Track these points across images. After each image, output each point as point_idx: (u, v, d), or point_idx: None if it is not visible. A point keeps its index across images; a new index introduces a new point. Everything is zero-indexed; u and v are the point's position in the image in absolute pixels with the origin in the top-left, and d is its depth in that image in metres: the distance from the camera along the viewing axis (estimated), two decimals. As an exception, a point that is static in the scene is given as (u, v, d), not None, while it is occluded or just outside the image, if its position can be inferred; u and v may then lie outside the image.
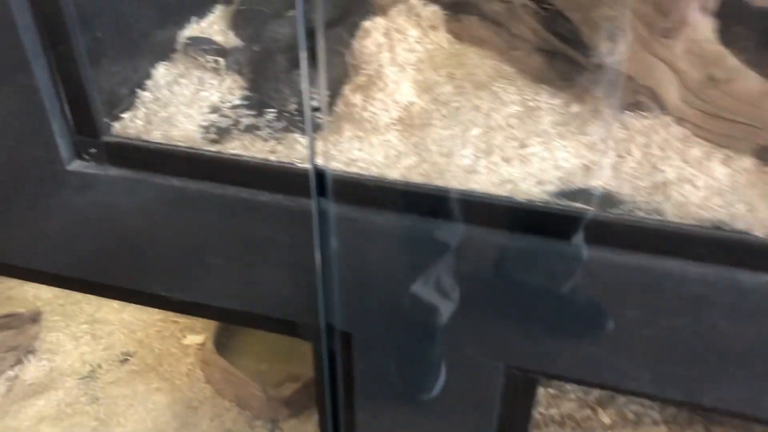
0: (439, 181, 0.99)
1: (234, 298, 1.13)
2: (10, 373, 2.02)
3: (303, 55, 0.95)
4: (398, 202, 0.97)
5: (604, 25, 1.02)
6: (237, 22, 1.33)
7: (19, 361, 2.03)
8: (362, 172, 1.01)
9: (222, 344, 2.01)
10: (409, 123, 1.09)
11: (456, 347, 1.06)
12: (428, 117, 1.09)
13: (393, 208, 0.97)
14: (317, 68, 1.18)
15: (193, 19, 1.32)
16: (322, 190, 0.99)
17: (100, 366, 2.08)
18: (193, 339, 2.13)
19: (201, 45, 1.17)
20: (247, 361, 2.01)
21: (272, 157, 1.03)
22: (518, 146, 1.03)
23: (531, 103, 1.09)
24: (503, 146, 1.03)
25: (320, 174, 0.98)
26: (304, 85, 1.04)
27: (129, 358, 2.11)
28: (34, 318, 2.01)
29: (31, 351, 2.07)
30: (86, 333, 2.17)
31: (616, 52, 1.01)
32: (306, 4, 1.35)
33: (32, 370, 2.04)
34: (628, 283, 0.90)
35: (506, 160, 1.02)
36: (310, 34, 1.36)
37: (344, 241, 0.98)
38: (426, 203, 0.97)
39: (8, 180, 1.08)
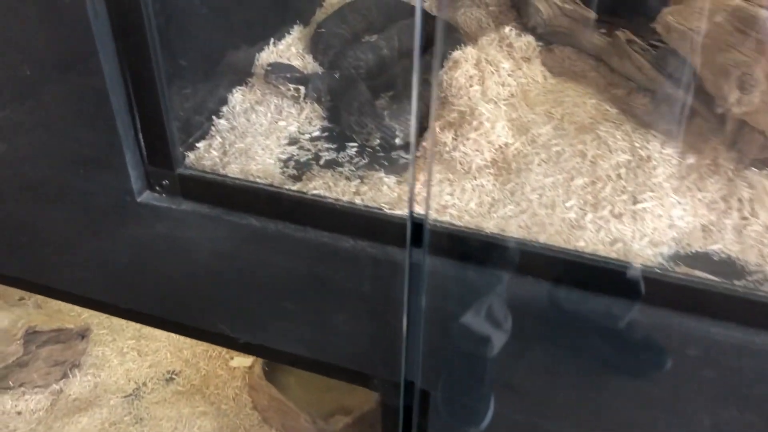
0: (541, 236, 0.90)
1: (304, 344, 1.05)
2: (55, 386, 1.98)
3: (414, 93, 0.86)
4: (499, 258, 0.88)
5: (732, 70, 0.92)
6: (315, 46, 1.26)
7: (64, 375, 1.99)
8: (455, 220, 0.92)
9: (271, 369, 1.93)
10: (505, 166, 1.01)
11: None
12: (526, 161, 1.00)
13: (494, 264, 0.88)
14: (407, 101, 1.10)
15: (271, 40, 1.25)
16: (414, 240, 0.90)
17: (145, 384, 2.03)
18: (241, 362, 2.06)
19: (282, 72, 1.10)
20: (296, 389, 1.94)
21: (358, 200, 0.95)
22: (629, 200, 0.94)
23: (641, 152, 0.99)
24: (612, 200, 0.94)
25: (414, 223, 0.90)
26: (413, 121, 0.96)
27: (174, 377, 2.05)
28: (83, 334, 1.96)
29: (76, 365, 2.03)
30: (132, 349, 2.12)
31: (744, 102, 0.90)
32: (393, 31, 1.28)
33: (77, 385, 2.00)
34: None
35: (616, 215, 0.92)
36: (388, 62, 1.29)
37: (436, 296, 0.89)
38: (529, 261, 0.87)
39: (77, 208, 1.02)
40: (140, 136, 0.96)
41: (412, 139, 0.97)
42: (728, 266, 0.87)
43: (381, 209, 0.93)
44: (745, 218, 0.91)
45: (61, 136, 0.96)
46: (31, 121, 0.96)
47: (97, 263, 1.08)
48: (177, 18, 0.96)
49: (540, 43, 1.23)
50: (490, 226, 0.92)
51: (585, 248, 0.89)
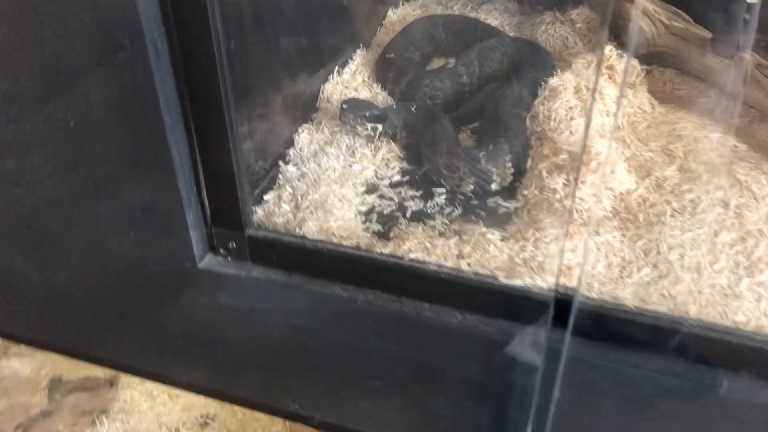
0: (691, 308, 0.75)
1: (391, 428, 0.89)
2: (82, 436, 1.83)
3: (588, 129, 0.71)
4: (642, 337, 0.73)
5: None
6: (385, 74, 1.10)
7: (92, 424, 1.84)
8: (587, 291, 0.77)
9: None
10: (631, 218, 0.85)
11: None
12: (656, 212, 0.85)
13: (637, 344, 0.73)
14: (502, 139, 0.95)
15: (335, 69, 1.10)
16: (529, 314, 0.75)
17: (178, 430, 1.88)
18: (282, 405, 1.91)
19: (360, 111, 0.95)
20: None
21: (464, 265, 0.80)
22: (790, 261, 0.78)
23: (792, 199, 0.84)
24: (770, 260, 0.78)
25: (523, 294, 0.75)
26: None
27: (209, 421, 1.90)
28: (112, 381, 1.81)
29: (104, 411, 1.88)
30: (162, 391, 1.97)
31: None
32: (471, 54, 1.13)
33: (106, 434, 1.85)
34: None
35: (778, 280, 0.77)
36: (468, 91, 1.13)
37: (574, 387, 0.74)
38: (680, 342, 0.72)
39: (131, 275, 0.87)
40: (204, 193, 0.81)
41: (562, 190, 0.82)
42: None
43: (494, 278, 0.77)
44: None
45: (115, 197, 0.81)
46: (78, 186, 0.81)
47: (151, 334, 0.92)
48: (240, 54, 0.81)
49: (645, 66, 1.08)
50: (624, 293, 0.77)
51: (746, 324, 0.73)
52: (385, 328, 0.81)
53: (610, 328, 0.74)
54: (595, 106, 0.99)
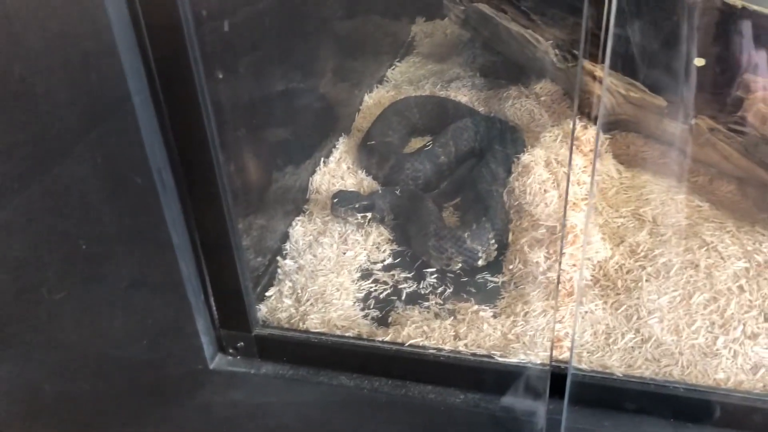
0: (674, 370, 0.81)
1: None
2: None
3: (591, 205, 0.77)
4: (636, 404, 0.78)
5: None
6: (369, 160, 1.17)
7: None
8: (578, 362, 0.82)
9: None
10: (610, 285, 0.92)
11: None
12: (633, 277, 0.91)
13: (632, 411, 0.78)
14: (483, 218, 1.01)
15: (321, 159, 1.17)
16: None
17: None
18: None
19: (350, 203, 1.01)
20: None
21: (461, 346, 0.85)
22: (759, 316, 0.85)
23: (757, 256, 0.91)
24: (741, 317, 0.85)
25: (516, 370, 0.80)
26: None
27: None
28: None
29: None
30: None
31: None
32: (447, 135, 1.20)
33: None
34: None
35: (750, 336, 0.83)
36: (446, 170, 1.20)
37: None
38: (668, 404, 0.78)
39: (146, 380, 0.91)
40: (211, 300, 0.86)
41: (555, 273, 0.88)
42: None
43: (491, 357, 0.83)
44: None
45: (129, 310, 0.85)
46: (91, 298, 0.86)
47: (164, 437, 0.96)
48: (234, 155, 0.87)
49: (608, 134, 1.16)
50: (611, 361, 0.82)
51: (726, 381, 0.79)
52: (393, 414, 0.85)
53: (603, 396, 0.79)
54: (564, 178, 1.06)
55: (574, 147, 1.12)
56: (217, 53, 0.80)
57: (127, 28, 0.67)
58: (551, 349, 0.82)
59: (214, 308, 0.87)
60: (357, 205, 1.00)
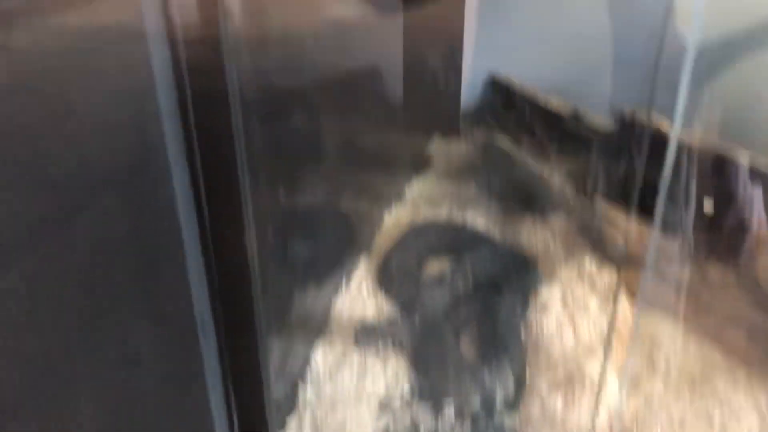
0: None
1: None
2: None
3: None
4: None
5: None
6: (389, 284, 1.21)
7: None
8: None
9: None
10: (626, 435, 0.94)
11: None
12: (648, 427, 0.94)
13: None
14: (503, 355, 1.04)
15: (342, 280, 1.20)
16: None
17: None
18: None
19: (372, 337, 1.04)
20: None
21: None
22: (774, 478, 0.87)
23: (766, 410, 0.94)
24: (756, 478, 0.87)
25: None
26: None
27: None
28: None
29: None
30: None
31: None
32: (464, 263, 1.24)
33: None
34: None
35: (765, 499, 0.85)
36: (463, 299, 1.24)
37: None
38: None
39: None
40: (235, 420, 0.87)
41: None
42: None
43: (510, 507, 0.84)
44: None
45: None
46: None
47: None
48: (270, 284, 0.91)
49: (620, 271, 1.20)
50: None
51: None
52: None
53: None
54: (580, 319, 1.10)
55: (588, 287, 1.16)
56: (260, 166, 0.83)
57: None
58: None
59: (238, 439, 0.88)
60: (379, 339, 1.03)
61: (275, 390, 0.98)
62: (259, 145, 0.79)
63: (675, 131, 1.01)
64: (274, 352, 0.94)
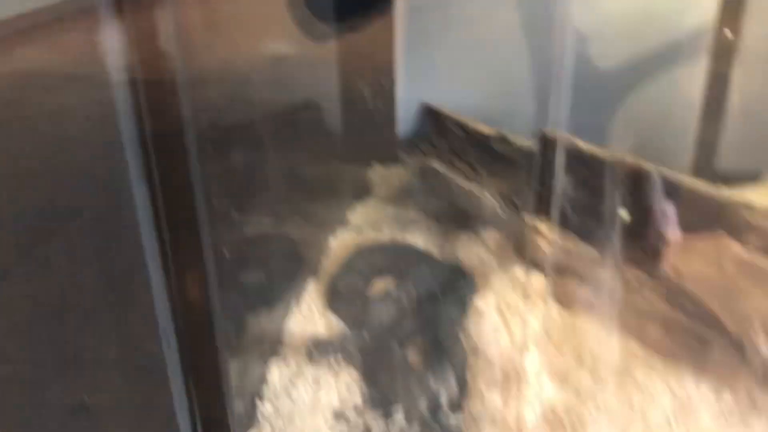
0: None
1: None
2: None
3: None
4: None
5: (754, 316, 1.01)
6: (338, 304, 1.29)
7: None
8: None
9: None
10: (558, 424, 1.03)
11: None
12: (578, 416, 1.03)
13: None
14: (445, 360, 1.12)
15: (292, 301, 1.28)
16: None
17: None
18: None
19: (326, 351, 1.12)
20: None
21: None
22: (687, 450, 0.98)
23: (679, 393, 1.05)
24: (672, 451, 0.97)
25: None
26: None
27: None
28: None
29: None
30: None
31: (774, 346, 0.99)
32: (408, 281, 1.33)
33: None
34: None
35: (681, 469, 0.96)
36: (409, 313, 1.33)
37: None
38: None
39: None
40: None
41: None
42: None
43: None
44: (798, 456, 0.97)
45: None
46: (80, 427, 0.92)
47: None
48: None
49: (550, 278, 1.31)
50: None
51: None
52: None
53: None
54: (513, 321, 1.20)
55: (519, 292, 1.26)
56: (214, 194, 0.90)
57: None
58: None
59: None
60: (331, 353, 1.11)
61: (236, 406, 1.04)
62: (212, 176, 0.86)
63: (561, 141, 1.13)
64: (233, 370, 1.00)
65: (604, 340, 1.18)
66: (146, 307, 0.82)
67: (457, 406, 1.10)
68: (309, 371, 1.15)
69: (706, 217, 1.14)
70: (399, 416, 1.08)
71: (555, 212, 1.33)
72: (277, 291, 1.25)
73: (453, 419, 1.08)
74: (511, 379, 1.08)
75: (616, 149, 1.33)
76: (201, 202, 0.81)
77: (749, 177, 1.49)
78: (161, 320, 0.84)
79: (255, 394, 1.09)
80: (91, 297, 0.78)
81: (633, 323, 1.23)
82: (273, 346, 1.18)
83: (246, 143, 1.13)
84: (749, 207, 1.10)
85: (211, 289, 0.86)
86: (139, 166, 0.76)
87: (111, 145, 0.75)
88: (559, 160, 1.35)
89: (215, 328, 0.88)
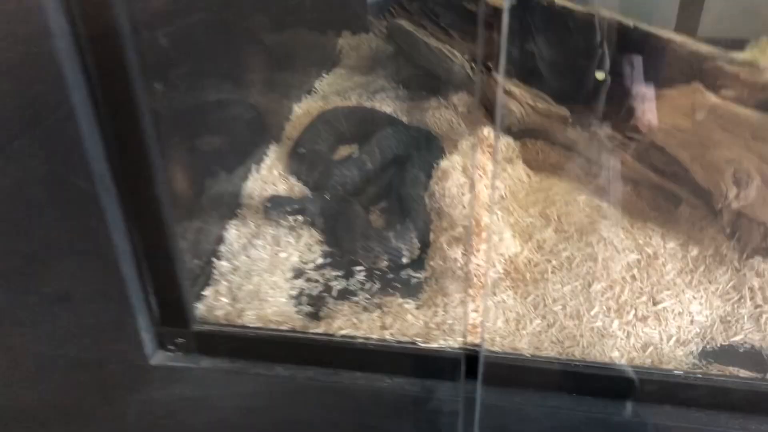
0: (575, 350, 0.91)
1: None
2: None
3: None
4: (543, 381, 0.88)
5: (724, 167, 0.97)
6: (299, 167, 1.24)
7: None
8: (489, 344, 0.92)
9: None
10: (520, 278, 1.02)
11: None
12: (540, 270, 1.02)
13: (540, 387, 0.88)
14: (409, 216, 1.09)
15: (251, 166, 1.23)
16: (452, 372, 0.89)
17: None
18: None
19: (282, 207, 1.08)
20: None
21: (388, 335, 0.93)
22: (649, 301, 0.96)
23: (647, 249, 1.03)
24: (633, 302, 0.96)
25: (449, 356, 0.89)
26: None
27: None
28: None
29: None
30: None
31: (742, 197, 0.96)
32: (372, 144, 1.28)
33: None
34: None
35: (641, 319, 0.95)
36: (373, 176, 1.29)
37: (489, 429, 0.88)
38: (570, 380, 0.88)
39: (89, 378, 0.95)
40: (152, 299, 0.91)
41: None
42: (754, 356, 0.91)
43: (414, 343, 0.91)
44: (759, 306, 0.95)
45: (69, 310, 0.89)
46: (32, 299, 0.89)
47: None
48: (171, 167, 0.93)
49: (518, 140, 1.27)
50: (521, 343, 0.92)
51: (620, 358, 0.90)
52: (326, 399, 0.92)
53: (513, 375, 0.89)
54: (479, 182, 1.16)
55: (487, 154, 1.22)
56: (153, 64, 0.85)
57: (67, 35, 0.72)
58: (464, 334, 0.91)
59: (154, 307, 0.92)
60: (289, 209, 1.07)
61: (190, 266, 1.01)
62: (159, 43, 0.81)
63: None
64: (181, 230, 0.97)
65: (572, 201, 1.15)
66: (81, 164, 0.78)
67: (418, 263, 1.08)
68: (269, 232, 1.12)
69: (683, 70, 1.09)
70: (360, 275, 1.06)
71: (526, 73, 1.27)
72: (235, 156, 1.21)
73: (414, 276, 1.06)
74: (474, 236, 1.05)
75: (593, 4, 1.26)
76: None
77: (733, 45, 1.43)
78: (98, 177, 0.79)
79: (211, 254, 1.07)
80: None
81: (603, 183, 1.20)
82: (231, 208, 1.14)
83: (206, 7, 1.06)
84: (727, 58, 1.04)
85: (152, 153, 0.80)
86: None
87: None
88: (534, 17, 1.28)
89: (156, 184, 0.84)
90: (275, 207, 1.07)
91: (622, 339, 0.92)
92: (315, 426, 0.95)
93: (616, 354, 0.91)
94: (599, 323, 0.94)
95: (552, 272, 1.01)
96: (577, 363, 0.88)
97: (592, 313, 0.95)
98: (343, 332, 0.93)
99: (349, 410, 0.92)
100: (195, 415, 0.96)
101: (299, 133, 1.32)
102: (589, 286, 0.99)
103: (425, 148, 1.24)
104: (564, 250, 1.04)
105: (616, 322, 0.94)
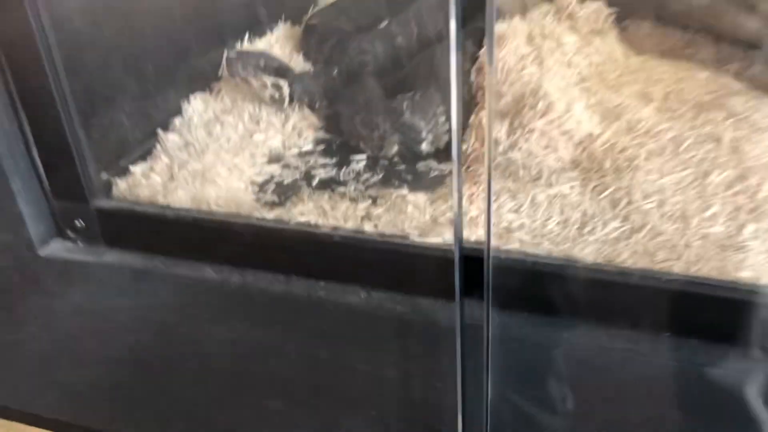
0: (675, 266, 0.54)
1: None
2: None
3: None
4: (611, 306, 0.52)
5: None
6: (307, 41, 0.94)
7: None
8: (532, 251, 0.56)
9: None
10: (595, 167, 0.65)
11: None
12: (627, 156, 0.65)
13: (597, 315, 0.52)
14: (439, 86, 0.76)
15: (245, 36, 0.94)
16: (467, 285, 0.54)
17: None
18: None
19: (251, 61, 0.77)
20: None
21: (368, 227, 0.60)
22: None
23: None
24: (777, 199, 0.58)
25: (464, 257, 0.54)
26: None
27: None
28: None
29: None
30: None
31: None
32: (408, 14, 0.96)
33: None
34: None
35: (791, 223, 0.56)
36: (404, 55, 0.96)
37: (503, 372, 0.53)
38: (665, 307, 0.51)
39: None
40: (35, 153, 0.63)
41: (455, 124, 0.61)
42: None
43: (404, 237, 0.57)
44: None
45: None
46: None
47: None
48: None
49: (614, 10, 0.90)
50: (586, 255, 0.56)
51: (757, 280, 0.52)
52: (270, 317, 0.61)
53: (559, 294, 0.53)
54: (551, 56, 0.80)
55: (567, 23, 0.86)
56: None
57: None
58: (488, 228, 0.56)
59: (40, 167, 0.64)
60: (263, 64, 0.76)
61: (112, 131, 0.73)
62: None
63: None
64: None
65: (689, 78, 0.77)
66: None
67: (445, 154, 0.74)
68: (247, 109, 0.82)
69: None
70: (359, 164, 0.74)
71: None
72: (223, 19, 0.92)
73: (437, 168, 0.72)
74: (533, 110, 0.70)
75: None
76: None
77: None
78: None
79: (159, 125, 0.78)
80: None
81: (734, 64, 0.81)
82: (203, 81, 0.85)
83: None
84: None
85: None
86: None
87: None
88: None
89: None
90: (241, 59, 0.77)
91: (757, 253, 0.54)
92: (251, 353, 0.63)
93: (746, 274, 0.53)
94: (719, 228, 0.56)
95: (646, 159, 0.64)
96: (678, 279, 0.51)
97: (708, 214, 0.58)
98: (301, 219, 0.61)
99: (300, 333, 0.60)
100: (90, 331, 0.67)
101: (319, 11, 1.02)
102: (706, 176, 0.61)
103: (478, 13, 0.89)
104: (668, 131, 0.67)
105: (750, 228, 0.56)
